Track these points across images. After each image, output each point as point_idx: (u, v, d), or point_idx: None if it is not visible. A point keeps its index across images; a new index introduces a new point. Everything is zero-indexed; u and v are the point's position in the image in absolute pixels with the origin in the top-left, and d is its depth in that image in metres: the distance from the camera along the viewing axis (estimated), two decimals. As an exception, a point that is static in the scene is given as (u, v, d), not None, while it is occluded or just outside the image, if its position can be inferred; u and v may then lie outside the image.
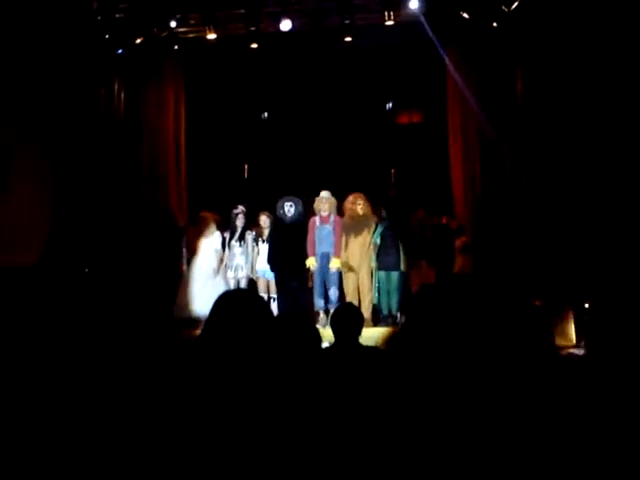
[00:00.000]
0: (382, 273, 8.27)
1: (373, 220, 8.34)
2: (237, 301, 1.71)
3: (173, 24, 9.16)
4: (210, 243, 8.63)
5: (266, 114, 10.31)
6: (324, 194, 8.33)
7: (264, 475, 1.39)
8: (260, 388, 1.50)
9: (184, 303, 8.43)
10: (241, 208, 8.83)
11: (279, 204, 8.32)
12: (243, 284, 8.61)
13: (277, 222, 8.40)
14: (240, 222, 8.72)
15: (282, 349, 1.57)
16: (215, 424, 1.46)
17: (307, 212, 8.38)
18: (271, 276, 8.45)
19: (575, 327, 7.16)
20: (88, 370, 1.79)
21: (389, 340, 3.74)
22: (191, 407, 1.52)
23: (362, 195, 8.37)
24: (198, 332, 6.28)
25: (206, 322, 1.69)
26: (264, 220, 8.63)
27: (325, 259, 8.19)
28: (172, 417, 1.52)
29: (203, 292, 8.33)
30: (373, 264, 8.26)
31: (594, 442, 1.44)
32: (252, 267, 8.66)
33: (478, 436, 1.39)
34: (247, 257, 8.64)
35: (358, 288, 8.27)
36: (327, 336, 4.00)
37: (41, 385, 1.69)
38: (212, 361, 1.54)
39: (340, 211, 8.36)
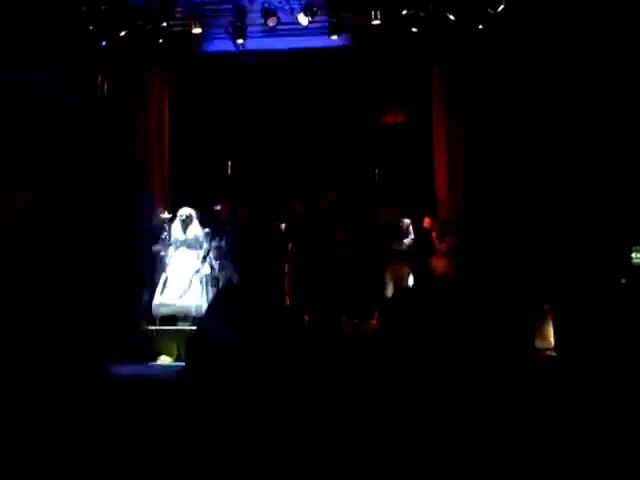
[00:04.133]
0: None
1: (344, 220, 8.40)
2: (238, 298, 1.70)
3: (159, 20, 9.11)
4: (193, 239, 8.59)
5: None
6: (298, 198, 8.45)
7: (261, 469, 1.42)
8: (254, 384, 1.48)
9: (165, 299, 8.39)
10: (224, 204, 8.85)
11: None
12: (222, 281, 8.59)
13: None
14: (222, 218, 8.72)
15: (264, 346, 1.55)
16: (214, 416, 1.48)
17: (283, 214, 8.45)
18: None
19: (554, 329, 7.19)
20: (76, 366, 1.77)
21: (368, 340, 3.73)
22: (189, 402, 1.51)
23: (333, 195, 8.42)
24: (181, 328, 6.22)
25: (204, 318, 1.67)
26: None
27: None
28: (171, 408, 1.51)
29: (184, 288, 8.31)
30: None
31: (574, 440, 1.44)
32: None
33: (458, 436, 1.38)
34: (227, 254, 8.61)
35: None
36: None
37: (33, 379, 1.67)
38: (212, 355, 1.53)
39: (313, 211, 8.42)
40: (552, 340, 7.08)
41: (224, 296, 1.77)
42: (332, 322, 3.73)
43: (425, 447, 1.40)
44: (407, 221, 8.85)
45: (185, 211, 8.67)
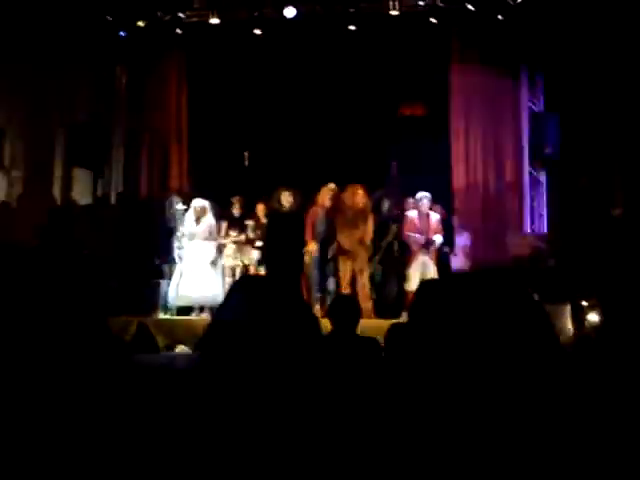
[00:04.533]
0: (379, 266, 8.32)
1: (369, 212, 8.30)
2: (260, 287, 1.68)
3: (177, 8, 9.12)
4: (206, 231, 8.58)
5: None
6: (331, 186, 8.34)
7: (261, 468, 1.39)
8: (269, 377, 1.46)
9: (181, 291, 8.42)
10: (238, 197, 8.85)
11: (275, 195, 8.33)
12: (238, 273, 8.60)
13: (273, 213, 8.40)
14: (237, 211, 8.72)
15: (282, 337, 1.54)
16: (227, 407, 1.45)
17: (305, 203, 8.39)
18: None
19: (572, 324, 7.14)
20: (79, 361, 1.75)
21: (389, 334, 3.72)
22: (200, 397, 1.48)
23: (360, 186, 8.34)
24: (199, 318, 6.23)
25: (221, 308, 1.65)
26: (261, 210, 8.65)
27: (322, 252, 8.19)
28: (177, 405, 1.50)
29: (200, 280, 8.33)
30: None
31: (599, 440, 1.41)
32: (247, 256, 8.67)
33: (480, 432, 1.35)
34: (243, 246, 8.65)
35: (354, 279, 8.23)
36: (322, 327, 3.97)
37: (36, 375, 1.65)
38: (225, 351, 1.52)
39: (340, 201, 8.33)
40: (571, 334, 7.02)
41: (243, 285, 1.74)
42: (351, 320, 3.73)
43: (443, 442, 1.38)
44: (437, 216, 8.42)
45: (198, 203, 8.64)
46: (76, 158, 9.12)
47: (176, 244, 8.68)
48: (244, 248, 8.70)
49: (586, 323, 7.05)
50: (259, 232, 8.63)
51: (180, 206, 8.87)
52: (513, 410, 1.32)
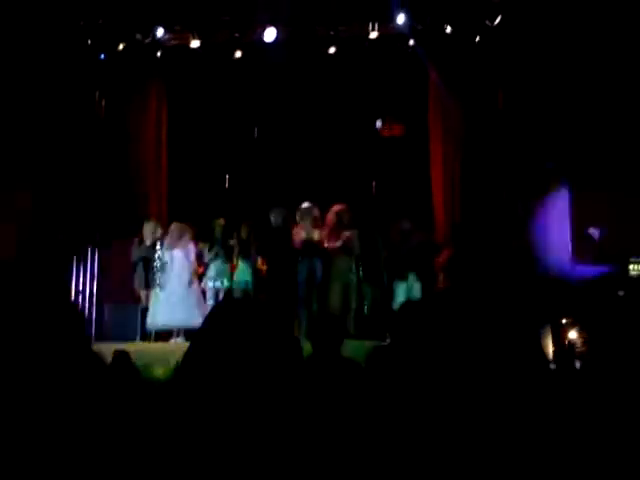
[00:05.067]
0: (367, 286, 8.31)
1: (354, 231, 8.32)
2: (241, 312, 1.67)
3: (157, 31, 9.12)
4: (184, 254, 8.51)
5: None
6: (306, 205, 8.34)
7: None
8: (248, 397, 1.45)
9: (159, 316, 8.34)
10: (220, 219, 8.84)
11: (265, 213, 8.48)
12: (221, 295, 8.56)
13: (262, 232, 8.46)
14: (219, 233, 8.68)
15: (262, 359, 1.53)
16: (201, 432, 1.42)
17: (289, 222, 8.41)
18: (247, 286, 8.49)
19: (553, 343, 7.17)
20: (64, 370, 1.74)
21: (371, 355, 3.70)
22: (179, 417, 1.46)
23: (345, 206, 8.37)
24: (177, 343, 6.19)
25: (199, 332, 1.64)
26: (245, 230, 8.63)
27: (310, 271, 8.19)
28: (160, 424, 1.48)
29: (177, 303, 8.26)
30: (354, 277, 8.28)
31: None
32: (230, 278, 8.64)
33: (463, 452, 1.36)
34: (226, 268, 8.60)
35: (344, 300, 8.22)
36: (307, 349, 3.95)
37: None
38: (204, 374, 1.51)
39: (323, 221, 8.36)
40: (550, 354, 7.05)
41: (224, 308, 1.73)
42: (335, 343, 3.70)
43: (427, 462, 1.37)
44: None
45: (176, 226, 8.61)
46: (51, 182, 9.00)
47: (154, 268, 8.60)
48: (225, 269, 8.66)
49: (566, 342, 7.08)
50: (241, 250, 8.62)
51: (159, 231, 8.80)
52: (498, 430, 1.32)
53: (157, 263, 8.53)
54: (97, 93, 9.60)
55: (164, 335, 8.47)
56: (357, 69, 9.67)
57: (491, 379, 1.36)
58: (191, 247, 8.56)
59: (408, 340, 1.53)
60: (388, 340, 6.89)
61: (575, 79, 8.11)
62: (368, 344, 6.64)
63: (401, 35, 9.08)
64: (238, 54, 9.46)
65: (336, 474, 1.42)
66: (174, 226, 8.63)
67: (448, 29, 9.02)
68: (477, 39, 9.05)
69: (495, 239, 8.67)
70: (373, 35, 9.07)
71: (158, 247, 8.62)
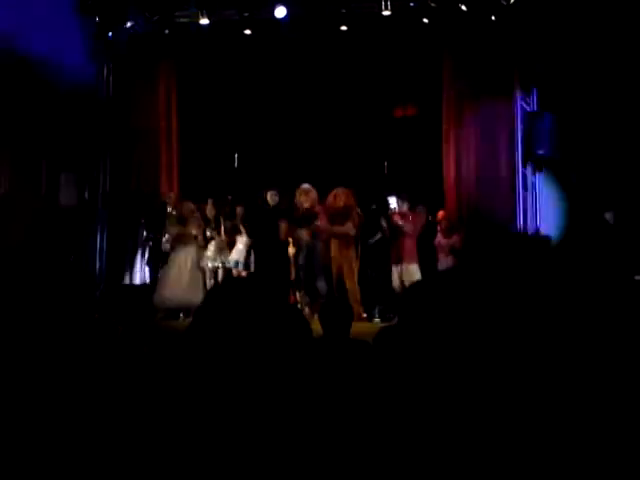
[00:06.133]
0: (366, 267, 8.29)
1: (355, 213, 8.26)
2: (245, 291, 1.62)
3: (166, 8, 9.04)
4: (194, 233, 8.56)
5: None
6: (305, 186, 8.27)
7: (254, 473, 1.35)
8: (253, 382, 1.43)
9: (163, 292, 8.35)
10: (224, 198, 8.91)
11: (261, 195, 8.49)
12: (220, 274, 8.60)
13: (257, 212, 8.47)
14: (210, 212, 8.75)
15: (271, 341, 1.48)
16: (204, 419, 1.40)
17: (290, 203, 8.39)
18: (245, 267, 8.58)
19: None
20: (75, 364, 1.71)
21: (378, 336, 3.63)
22: (180, 402, 1.44)
23: (342, 189, 8.28)
24: (184, 322, 6.17)
25: (199, 311, 1.59)
26: (240, 211, 8.70)
27: (311, 251, 8.12)
28: (161, 411, 1.45)
29: (181, 281, 8.26)
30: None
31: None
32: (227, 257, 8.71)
33: (473, 433, 1.30)
34: (224, 247, 8.67)
35: (342, 282, 8.17)
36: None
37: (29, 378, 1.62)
38: (204, 353, 1.45)
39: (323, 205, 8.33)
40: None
41: (224, 287, 1.68)
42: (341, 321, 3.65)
43: (437, 446, 1.32)
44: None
45: (187, 205, 8.67)
46: (63, 161, 9.02)
47: (163, 247, 8.65)
48: (224, 249, 8.64)
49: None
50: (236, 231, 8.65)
51: (169, 209, 8.87)
52: (508, 411, 1.28)
53: (167, 237, 8.60)
54: (105, 71, 9.52)
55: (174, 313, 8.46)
56: (369, 47, 9.52)
57: (500, 357, 1.32)
58: (200, 225, 8.62)
59: (416, 320, 1.49)
60: (395, 321, 6.83)
61: (591, 58, 7.96)
62: (373, 325, 6.61)
63: (414, 13, 8.93)
64: (248, 32, 9.33)
65: (346, 455, 1.39)
66: (185, 204, 8.70)
67: (463, 7, 8.86)
68: (492, 18, 8.88)
69: (507, 222, 8.59)
70: (386, 13, 8.91)
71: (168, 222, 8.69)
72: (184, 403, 1.41)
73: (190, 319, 5.71)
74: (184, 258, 8.46)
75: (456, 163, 9.38)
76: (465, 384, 1.33)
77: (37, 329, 1.73)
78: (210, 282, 8.45)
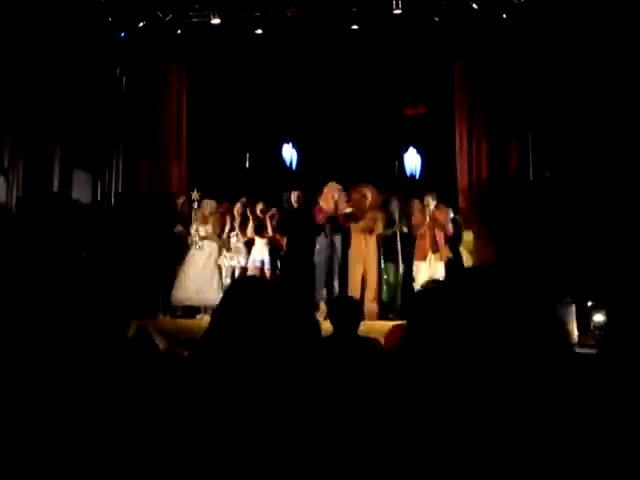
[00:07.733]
0: (389, 266, 8.22)
1: (380, 211, 8.27)
2: (260, 290, 1.63)
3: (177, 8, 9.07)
4: (214, 231, 8.60)
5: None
6: (333, 184, 8.29)
7: (263, 469, 1.36)
8: (267, 380, 1.44)
9: (184, 292, 8.40)
10: (241, 198, 8.88)
11: (285, 195, 8.49)
12: (237, 273, 8.62)
13: (282, 213, 8.51)
14: (238, 211, 8.70)
15: (281, 339, 1.49)
16: (219, 416, 1.41)
17: (311, 202, 8.40)
18: (264, 265, 8.57)
19: (577, 325, 7.04)
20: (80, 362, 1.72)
21: (390, 334, 3.65)
22: (197, 399, 1.45)
23: (369, 186, 8.30)
24: (202, 320, 6.16)
25: (217, 310, 1.61)
26: (261, 210, 8.69)
27: (332, 249, 8.14)
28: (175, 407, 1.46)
29: (200, 279, 8.29)
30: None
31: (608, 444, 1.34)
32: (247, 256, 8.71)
33: (482, 434, 1.30)
34: (243, 246, 8.69)
35: (363, 280, 8.18)
36: (325, 328, 3.90)
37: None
38: (222, 353, 1.46)
39: (348, 201, 8.34)
40: (575, 336, 6.92)
41: (241, 287, 1.69)
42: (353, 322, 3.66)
43: (446, 445, 1.32)
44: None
45: (207, 203, 8.72)
46: (76, 160, 9.08)
47: (189, 243, 8.70)
48: (242, 248, 8.69)
49: (591, 324, 6.95)
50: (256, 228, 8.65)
51: (195, 205, 8.90)
52: (518, 412, 1.27)
53: (195, 238, 8.61)
54: (118, 70, 9.57)
55: (192, 311, 8.51)
56: (380, 46, 9.51)
57: (510, 360, 1.31)
58: (217, 224, 8.71)
59: (427, 319, 1.49)
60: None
61: (601, 57, 7.92)
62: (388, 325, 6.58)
63: (425, 12, 8.93)
64: (259, 31, 9.36)
65: (356, 451, 1.39)
66: (205, 202, 8.77)
67: (474, 6, 8.84)
68: (504, 16, 8.86)
69: (521, 217, 8.56)
70: (397, 11, 8.91)
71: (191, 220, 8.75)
72: (195, 404, 1.43)
73: (208, 316, 5.76)
74: (204, 256, 8.54)
75: (468, 160, 9.36)
76: (474, 383, 1.33)
77: (49, 326, 1.73)
78: (226, 281, 8.45)
